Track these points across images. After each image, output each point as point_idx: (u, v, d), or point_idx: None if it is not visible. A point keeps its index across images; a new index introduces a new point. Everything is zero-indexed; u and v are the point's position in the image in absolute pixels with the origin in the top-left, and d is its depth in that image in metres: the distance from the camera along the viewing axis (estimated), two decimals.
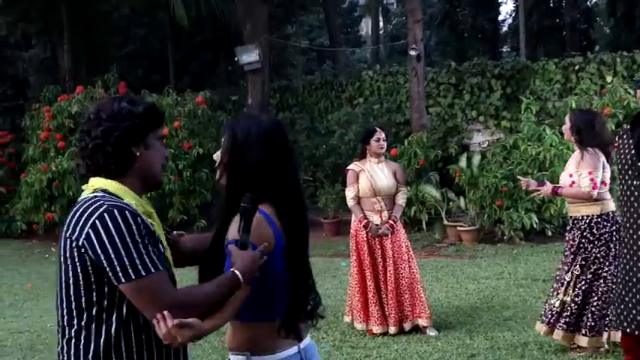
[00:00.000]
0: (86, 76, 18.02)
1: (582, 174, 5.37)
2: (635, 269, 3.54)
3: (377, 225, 6.53)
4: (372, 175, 6.58)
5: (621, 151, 3.70)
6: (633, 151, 3.56)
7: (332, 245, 12.58)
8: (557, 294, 5.50)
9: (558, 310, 5.46)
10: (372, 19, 30.70)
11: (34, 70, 21.82)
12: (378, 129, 6.78)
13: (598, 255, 5.37)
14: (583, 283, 5.40)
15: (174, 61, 20.93)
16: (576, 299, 5.40)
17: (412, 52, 13.68)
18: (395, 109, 16.48)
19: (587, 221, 5.45)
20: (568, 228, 5.63)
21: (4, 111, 19.84)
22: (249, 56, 15.06)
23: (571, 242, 5.52)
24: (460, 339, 6.21)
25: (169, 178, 13.86)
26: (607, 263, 5.36)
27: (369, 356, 5.87)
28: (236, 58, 15.50)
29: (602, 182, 5.46)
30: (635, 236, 3.57)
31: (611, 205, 5.53)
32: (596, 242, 5.40)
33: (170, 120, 14.46)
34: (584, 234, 5.43)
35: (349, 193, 6.69)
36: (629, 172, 3.58)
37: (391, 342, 6.21)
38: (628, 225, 3.62)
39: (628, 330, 3.61)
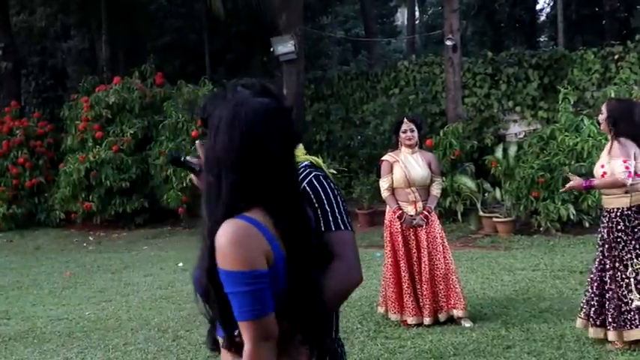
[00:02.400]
0: (124, 67, 18.23)
1: (617, 163, 5.27)
2: None
3: (411, 216, 6.50)
4: (406, 166, 6.54)
5: None
6: None
7: (366, 236, 12.57)
8: (626, 295, 5.33)
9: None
10: (408, 8, 30.53)
11: (73, 61, 22.09)
12: (406, 120, 6.71)
13: (635, 246, 5.29)
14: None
15: (210, 52, 21.01)
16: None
17: (448, 42, 13.60)
18: (430, 99, 16.42)
19: (619, 213, 5.37)
20: (602, 219, 5.56)
21: (44, 101, 20.16)
22: (285, 47, 15.08)
23: (605, 234, 5.44)
24: (495, 330, 6.17)
25: None
26: None
27: (403, 347, 5.87)
28: (271, 49, 15.53)
29: (636, 174, 5.35)
30: None
31: None
32: (630, 234, 5.31)
33: None
34: (619, 226, 5.35)
35: (383, 184, 6.67)
36: None
37: (426, 333, 6.20)
38: None
39: None
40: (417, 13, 36.21)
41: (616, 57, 14.75)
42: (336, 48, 30.28)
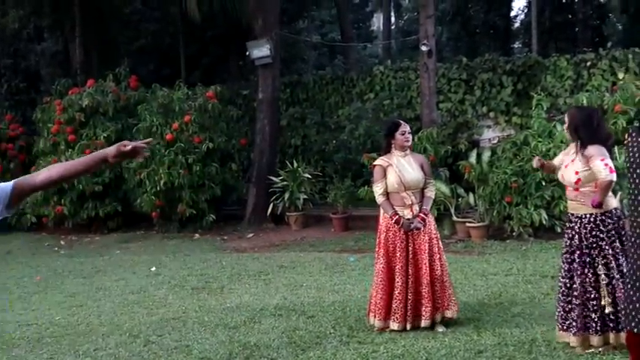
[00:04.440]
0: (97, 70, 18.09)
1: (597, 164, 5.29)
2: None
3: (408, 219, 6.46)
4: (400, 169, 6.48)
5: (630, 149, 3.68)
6: None
7: (341, 241, 12.58)
8: (597, 300, 5.39)
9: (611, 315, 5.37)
10: (384, 14, 30.65)
11: (46, 64, 21.84)
12: (402, 122, 6.67)
13: (613, 252, 5.33)
14: (615, 284, 5.33)
15: (186, 56, 20.92)
16: (618, 298, 5.34)
17: (423, 48, 13.65)
18: (405, 104, 16.48)
19: (592, 219, 5.42)
20: (568, 225, 5.60)
21: (16, 104, 19.92)
22: (261, 51, 15.05)
23: (577, 240, 5.48)
24: (468, 335, 6.19)
25: (179, 172, 13.90)
26: (622, 259, 5.30)
27: (376, 351, 5.86)
28: (247, 53, 15.50)
29: None
30: None
31: (614, 202, 5.49)
32: (606, 239, 5.36)
33: (180, 114, 14.50)
34: (594, 232, 5.39)
35: (377, 189, 6.57)
36: (638, 170, 3.55)
37: (399, 338, 6.20)
38: (635, 224, 3.59)
39: (635, 330, 3.59)
40: (392, 19, 36.34)
41: (588, 64, 14.88)
42: (312, 52, 30.27)
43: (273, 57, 15.14)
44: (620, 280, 5.28)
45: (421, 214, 6.46)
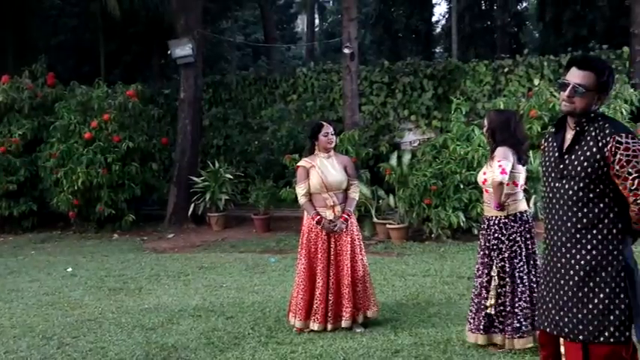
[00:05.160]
0: (13, 66, 17.59)
1: (494, 165, 5.46)
2: (554, 270, 3.64)
3: (331, 220, 6.43)
4: (323, 171, 6.45)
5: (546, 153, 3.79)
6: (557, 154, 3.65)
7: (262, 241, 12.56)
8: (486, 300, 5.58)
9: (496, 316, 5.55)
10: (308, 16, 30.80)
11: None
12: (325, 123, 6.62)
13: (510, 255, 5.50)
14: (507, 287, 5.51)
15: (106, 53, 20.57)
16: (505, 303, 5.51)
17: (346, 50, 13.74)
18: (328, 106, 16.58)
19: (496, 221, 5.58)
20: (482, 227, 5.76)
21: None
22: (183, 50, 14.89)
23: (483, 241, 5.66)
24: (385, 335, 6.26)
25: (97, 171, 13.64)
26: (521, 263, 5.49)
27: (294, 352, 5.87)
28: (169, 52, 15.32)
29: (514, 182, 5.56)
30: (555, 237, 3.65)
31: (522, 206, 5.63)
32: (506, 243, 5.52)
33: (100, 112, 14.23)
34: (496, 235, 5.56)
35: (300, 190, 6.53)
36: (552, 173, 3.66)
37: (317, 338, 6.22)
38: (549, 226, 3.70)
39: (548, 329, 3.70)
40: (316, 21, 36.53)
41: (506, 70, 15.28)
42: (236, 53, 30.16)
43: (195, 56, 15.01)
44: (517, 284, 5.46)
45: (344, 215, 6.48)
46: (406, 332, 6.31)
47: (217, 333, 6.55)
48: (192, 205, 14.49)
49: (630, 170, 3.39)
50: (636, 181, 3.39)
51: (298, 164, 6.65)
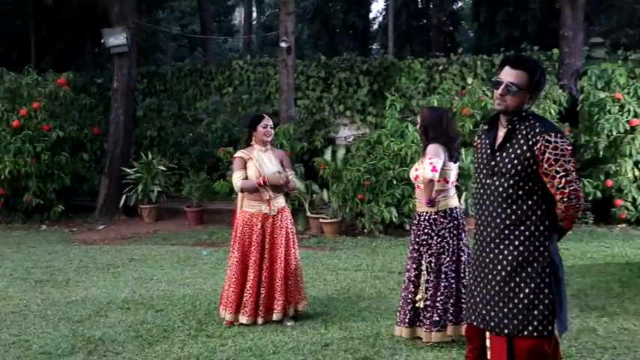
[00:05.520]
0: None
1: (426, 162, 5.53)
2: (483, 265, 3.70)
3: (265, 214, 6.39)
4: (260, 164, 6.43)
5: (478, 150, 3.86)
6: (489, 151, 3.72)
7: (194, 234, 12.47)
8: (414, 294, 5.66)
9: (422, 310, 5.62)
10: (245, 8, 30.61)
11: None
12: (266, 115, 6.62)
13: (438, 250, 5.58)
14: (433, 281, 5.59)
15: (37, 40, 20.07)
16: (431, 297, 5.59)
17: (283, 44, 13.72)
18: (264, 99, 16.53)
19: (427, 217, 5.66)
20: (413, 222, 5.84)
21: None
22: (117, 39, 14.64)
23: (413, 236, 5.73)
24: (315, 329, 6.28)
25: (25, 160, 13.33)
26: (447, 259, 5.58)
27: (224, 345, 5.84)
28: (102, 40, 15.04)
29: (445, 179, 5.65)
30: (484, 233, 3.72)
31: (452, 203, 5.72)
32: (435, 238, 5.60)
33: (29, 100, 13.90)
34: (426, 230, 5.64)
35: (237, 176, 6.43)
36: (484, 170, 3.73)
37: (247, 331, 6.20)
38: (479, 222, 3.77)
39: (474, 323, 3.77)
40: (254, 14, 36.36)
41: (440, 68, 15.49)
42: (172, 43, 29.80)
43: (129, 46, 14.78)
44: (441, 278, 5.55)
45: (287, 175, 6.49)
46: (336, 326, 6.34)
47: (146, 326, 6.47)
48: (124, 197, 14.28)
49: (558, 169, 3.48)
50: (563, 180, 3.48)
51: (235, 155, 6.60)
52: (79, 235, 12.84)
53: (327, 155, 12.44)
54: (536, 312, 3.54)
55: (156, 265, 9.63)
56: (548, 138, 3.49)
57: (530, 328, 3.55)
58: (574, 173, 3.50)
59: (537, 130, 3.54)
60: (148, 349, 5.79)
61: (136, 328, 6.41)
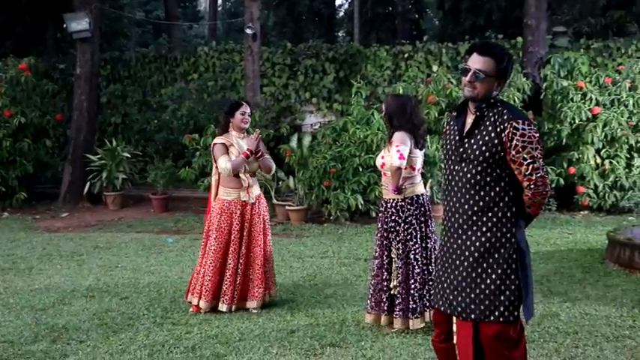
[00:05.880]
0: None
1: (392, 149, 5.55)
2: (451, 251, 3.72)
3: (244, 202, 6.39)
4: (241, 152, 6.41)
5: (447, 137, 3.87)
6: (457, 137, 3.73)
7: (160, 221, 12.39)
8: (388, 281, 5.68)
9: (395, 298, 5.65)
10: None
11: None
12: (244, 103, 6.63)
13: (406, 237, 5.61)
14: (402, 267, 5.62)
15: None
16: (401, 284, 5.62)
17: (248, 31, 13.66)
18: (229, 86, 16.45)
19: (393, 204, 5.69)
20: (380, 209, 5.86)
21: None
22: (79, 24, 14.45)
23: (380, 224, 5.76)
24: (282, 316, 6.28)
25: None
26: (416, 245, 5.61)
27: (189, 332, 5.82)
28: (65, 25, 14.82)
29: (411, 167, 5.67)
30: (452, 219, 3.74)
31: (418, 189, 5.74)
32: (402, 225, 5.63)
33: None
34: (393, 217, 5.66)
35: (225, 159, 6.34)
36: (453, 156, 3.75)
37: (213, 319, 6.19)
38: (447, 208, 3.79)
39: (442, 308, 3.80)
40: (219, 0, 36.09)
41: (406, 55, 15.55)
42: (136, 29, 29.49)
43: (92, 31, 14.59)
44: (412, 265, 5.59)
45: (259, 132, 6.58)
46: (302, 313, 6.36)
47: (111, 314, 6.43)
48: (88, 184, 14.13)
49: (525, 156, 3.50)
50: (530, 167, 3.51)
51: (215, 141, 6.53)
52: (42, 223, 12.69)
53: (293, 142, 12.41)
54: (502, 297, 3.57)
55: (121, 253, 9.56)
56: (516, 125, 3.51)
57: (496, 313, 3.58)
58: (541, 160, 3.53)
59: (505, 117, 3.55)
60: (113, 337, 5.75)
61: (101, 316, 6.36)
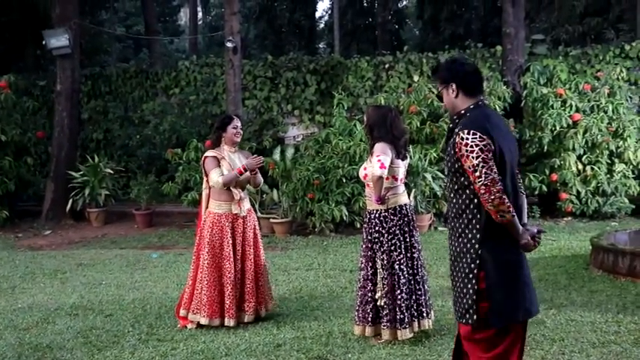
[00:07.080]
0: None
1: (374, 160, 5.57)
2: (455, 263, 3.83)
3: (235, 214, 6.37)
4: (232, 166, 6.40)
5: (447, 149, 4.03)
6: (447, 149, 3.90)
7: (144, 237, 12.34)
8: (373, 292, 5.67)
9: (381, 308, 5.64)
10: (191, 8, 30.30)
11: None
12: (235, 117, 6.65)
13: (390, 247, 5.61)
14: (387, 278, 5.61)
15: None
16: (387, 295, 5.61)
17: (229, 44, 13.66)
18: (211, 100, 16.43)
19: (377, 215, 5.69)
20: (364, 221, 5.87)
21: None
22: (59, 40, 14.41)
23: (365, 235, 5.76)
24: (268, 329, 6.26)
25: None
26: (401, 255, 5.61)
27: (175, 349, 5.78)
28: (44, 42, 14.77)
29: (393, 177, 5.68)
30: (453, 229, 3.88)
31: (402, 199, 5.76)
32: (386, 235, 5.63)
33: None
34: (377, 228, 5.67)
35: (217, 173, 6.33)
36: (445, 168, 3.94)
37: (199, 334, 6.16)
38: (450, 220, 3.95)
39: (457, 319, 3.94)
40: (200, 14, 36.11)
41: (387, 66, 15.59)
42: (116, 45, 29.39)
43: (72, 47, 14.56)
44: (397, 275, 5.59)
45: (260, 158, 6.52)
46: (289, 326, 6.33)
47: (95, 332, 6.38)
48: (71, 201, 14.06)
49: (469, 165, 3.63)
50: (474, 175, 3.61)
51: (206, 155, 6.52)
52: (24, 241, 12.60)
53: (276, 155, 12.42)
54: (464, 301, 3.73)
55: (105, 270, 9.50)
56: (462, 135, 3.64)
57: (458, 315, 3.79)
58: (483, 169, 3.58)
59: (458, 129, 3.71)
60: (98, 355, 5.71)
61: (85, 334, 6.31)
